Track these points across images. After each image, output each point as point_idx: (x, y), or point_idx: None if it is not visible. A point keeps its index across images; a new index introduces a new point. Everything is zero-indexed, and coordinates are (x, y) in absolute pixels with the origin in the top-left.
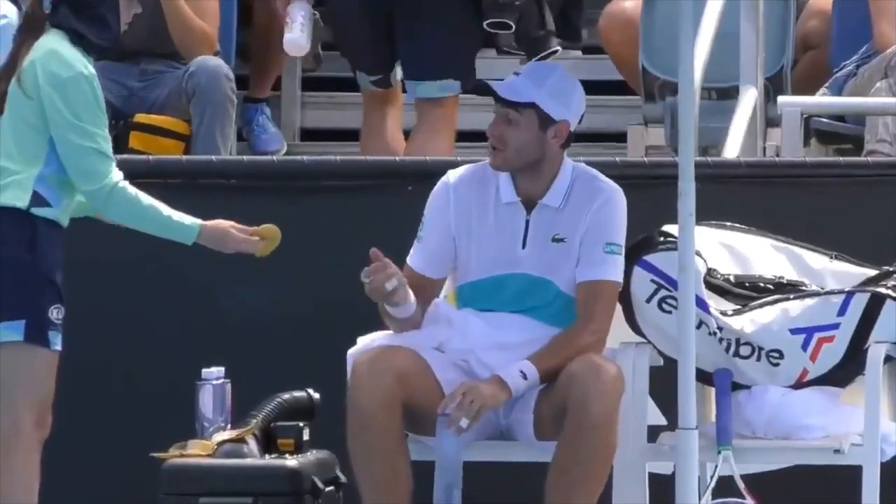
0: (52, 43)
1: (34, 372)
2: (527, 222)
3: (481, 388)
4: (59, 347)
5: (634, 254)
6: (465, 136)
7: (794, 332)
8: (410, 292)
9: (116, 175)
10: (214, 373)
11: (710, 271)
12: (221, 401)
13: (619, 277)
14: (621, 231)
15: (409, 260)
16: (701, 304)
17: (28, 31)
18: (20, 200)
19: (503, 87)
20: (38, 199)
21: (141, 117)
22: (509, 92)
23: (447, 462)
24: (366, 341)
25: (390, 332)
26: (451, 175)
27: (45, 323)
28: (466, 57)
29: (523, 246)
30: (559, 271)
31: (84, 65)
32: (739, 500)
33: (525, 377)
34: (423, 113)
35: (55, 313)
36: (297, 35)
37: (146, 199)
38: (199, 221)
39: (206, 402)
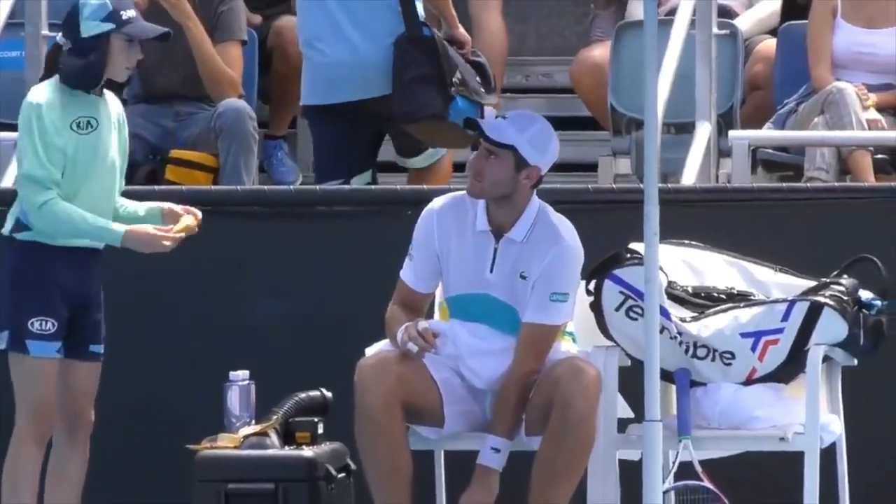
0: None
1: (19, 377)
2: (494, 250)
3: (475, 498)
4: (43, 354)
5: (605, 268)
6: (459, 168)
7: (744, 335)
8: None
9: (43, 196)
10: (241, 375)
11: (670, 283)
12: (247, 400)
13: (561, 321)
14: (571, 283)
15: (401, 274)
16: (663, 312)
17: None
18: (4, 228)
19: (490, 127)
20: (18, 226)
21: (175, 153)
22: (495, 132)
23: None
24: (372, 351)
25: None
26: (436, 202)
27: (24, 333)
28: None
29: (490, 270)
30: (521, 303)
31: (39, 91)
32: (698, 482)
33: (498, 451)
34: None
35: (37, 325)
36: None
37: (75, 212)
38: (123, 228)
39: (234, 400)
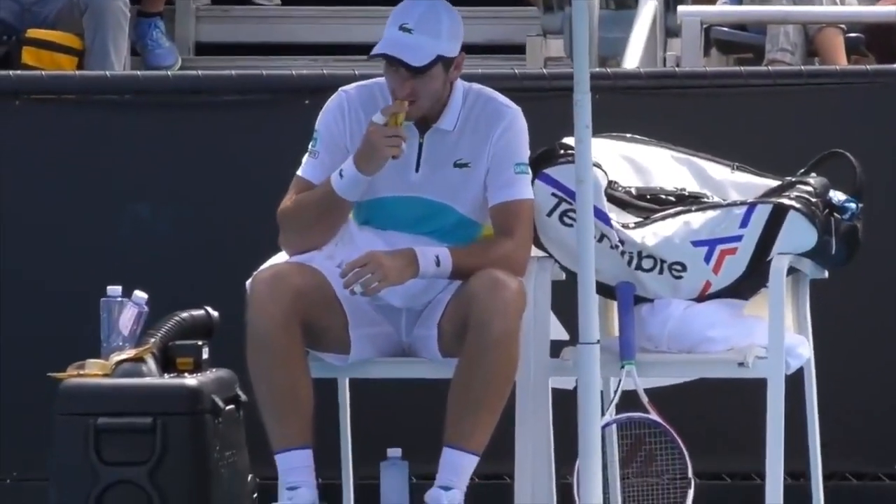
0: None
1: None
2: (420, 145)
3: (385, 262)
4: None
5: (535, 167)
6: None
7: (696, 244)
8: None
9: None
10: (115, 291)
11: (611, 184)
12: (127, 319)
13: (532, 195)
14: (526, 150)
15: (301, 172)
16: (602, 216)
17: None
18: None
19: (410, 55)
20: None
21: (33, 32)
22: (417, 57)
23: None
24: (268, 264)
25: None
26: (344, 90)
27: None
28: None
29: (416, 169)
30: (460, 196)
31: None
32: (643, 414)
33: (438, 263)
34: None
35: None
36: None
37: None
38: None
39: (110, 320)
